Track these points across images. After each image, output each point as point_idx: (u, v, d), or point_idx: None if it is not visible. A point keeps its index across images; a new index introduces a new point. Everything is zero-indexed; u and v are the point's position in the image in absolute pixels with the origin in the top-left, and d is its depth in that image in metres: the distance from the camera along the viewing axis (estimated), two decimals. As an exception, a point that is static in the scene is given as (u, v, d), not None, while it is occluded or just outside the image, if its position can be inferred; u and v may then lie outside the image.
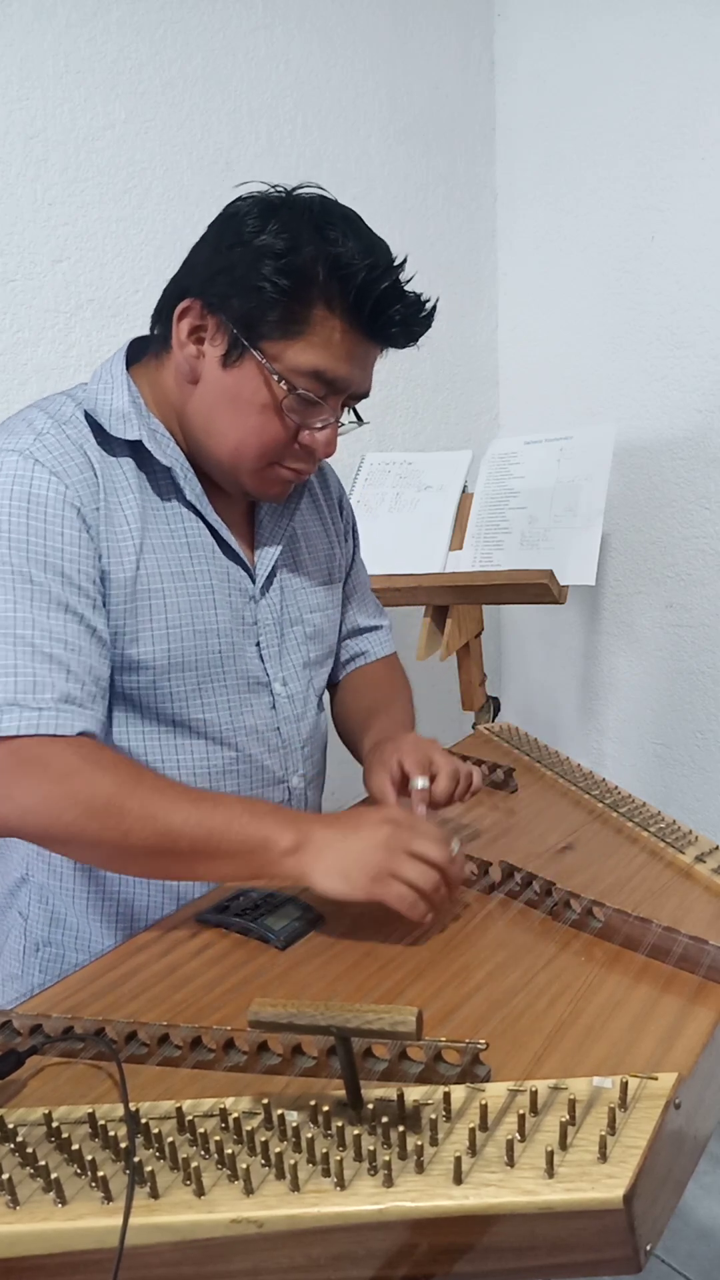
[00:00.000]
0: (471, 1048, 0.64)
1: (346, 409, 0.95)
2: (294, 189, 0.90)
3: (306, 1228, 0.52)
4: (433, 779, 0.96)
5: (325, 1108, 0.58)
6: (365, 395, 0.95)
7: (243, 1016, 0.68)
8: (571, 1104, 0.57)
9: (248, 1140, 0.56)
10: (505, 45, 2.13)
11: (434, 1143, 0.56)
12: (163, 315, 0.94)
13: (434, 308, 0.92)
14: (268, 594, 1.02)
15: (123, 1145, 0.56)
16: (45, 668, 0.82)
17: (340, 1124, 0.57)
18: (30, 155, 1.46)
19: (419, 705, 1.22)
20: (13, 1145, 0.57)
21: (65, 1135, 0.57)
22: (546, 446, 1.79)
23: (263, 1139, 0.56)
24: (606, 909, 0.83)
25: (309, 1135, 0.56)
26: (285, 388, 0.88)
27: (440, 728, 1.23)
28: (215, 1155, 0.55)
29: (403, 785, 0.97)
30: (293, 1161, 0.54)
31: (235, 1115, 0.57)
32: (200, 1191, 0.53)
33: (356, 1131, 0.56)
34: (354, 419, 0.98)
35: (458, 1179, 0.53)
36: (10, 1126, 0.59)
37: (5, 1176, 0.54)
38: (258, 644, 1.01)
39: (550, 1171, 0.53)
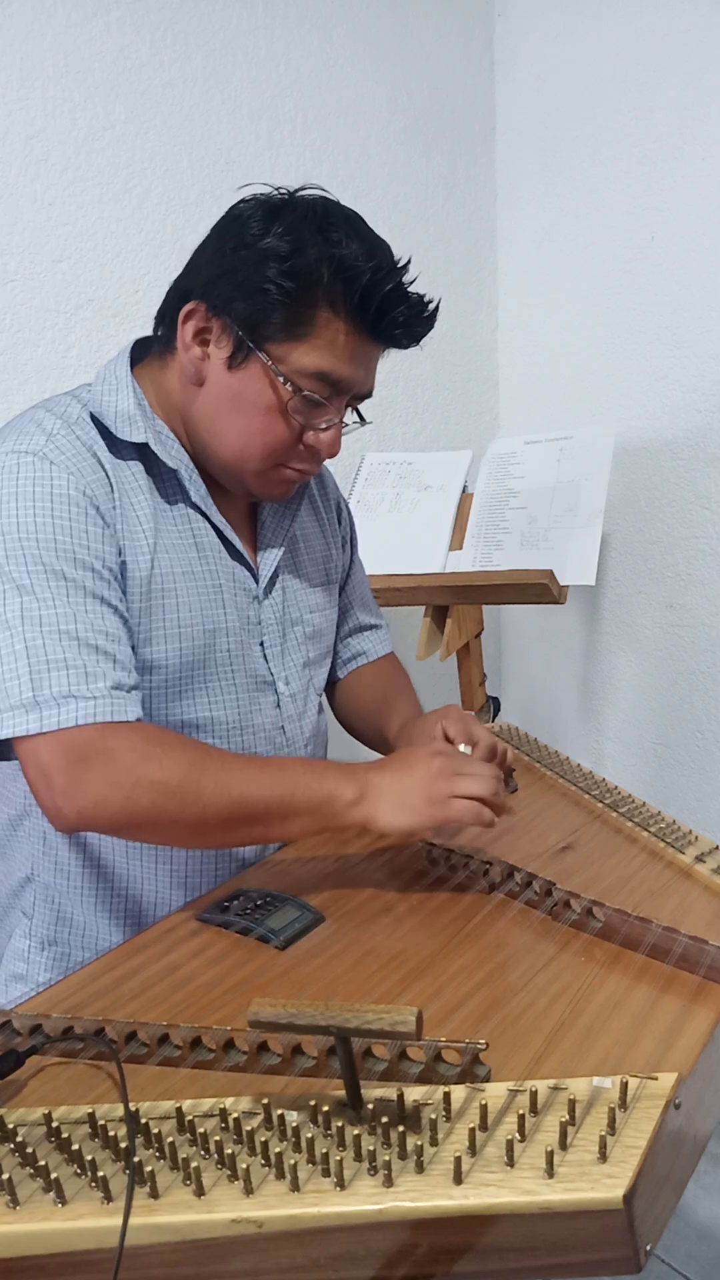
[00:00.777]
0: (471, 1048, 0.64)
1: (349, 409, 0.96)
2: (296, 190, 0.90)
3: (306, 1228, 0.52)
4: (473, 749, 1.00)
5: (325, 1108, 0.58)
6: (368, 395, 0.96)
7: (243, 1016, 0.68)
8: (571, 1104, 0.57)
9: (248, 1140, 0.56)
10: (505, 45, 2.13)
11: (434, 1143, 0.56)
12: (166, 317, 0.94)
13: (437, 308, 0.92)
14: (270, 595, 1.03)
15: (123, 1145, 0.56)
16: (94, 659, 0.83)
17: (340, 1124, 0.57)
18: (30, 155, 1.46)
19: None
20: (13, 1145, 0.57)
21: (65, 1135, 0.57)
22: (546, 446, 1.79)
23: (263, 1139, 0.56)
24: (606, 909, 0.83)
25: (309, 1135, 0.56)
26: (290, 389, 0.89)
27: (440, 728, 1.23)
28: (215, 1155, 0.55)
29: None
30: (293, 1161, 0.54)
31: (235, 1115, 0.57)
32: (200, 1191, 0.53)
33: (356, 1131, 0.56)
34: (357, 419, 0.98)
35: (458, 1179, 0.53)
36: (10, 1126, 0.59)
37: (5, 1176, 0.54)
38: (261, 644, 1.02)
39: (550, 1171, 0.53)
